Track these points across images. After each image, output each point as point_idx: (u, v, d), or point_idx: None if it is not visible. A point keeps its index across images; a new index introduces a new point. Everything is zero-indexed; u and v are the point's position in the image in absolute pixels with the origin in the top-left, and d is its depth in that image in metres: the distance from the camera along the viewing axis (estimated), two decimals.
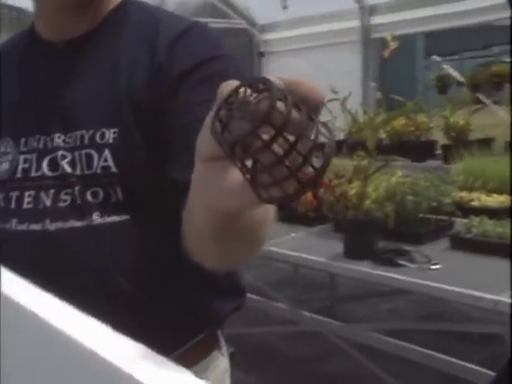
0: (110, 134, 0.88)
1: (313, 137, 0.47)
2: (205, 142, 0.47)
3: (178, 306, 0.95)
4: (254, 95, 0.48)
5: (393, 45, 2.49)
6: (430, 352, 2.47)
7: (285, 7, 4.21)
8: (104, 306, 0.90)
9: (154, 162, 0.88)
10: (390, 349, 2.58)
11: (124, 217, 0.89)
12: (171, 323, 0.94)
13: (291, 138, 0.46)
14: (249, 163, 0.47)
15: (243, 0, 5.15)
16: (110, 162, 0.88)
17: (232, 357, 1.09)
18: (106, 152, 0.88)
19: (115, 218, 0.89)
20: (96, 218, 0.89)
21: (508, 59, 7.22)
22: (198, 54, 0.90)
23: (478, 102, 4.93)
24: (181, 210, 0.77)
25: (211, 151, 0.46)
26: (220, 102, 0.48)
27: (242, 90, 0.48)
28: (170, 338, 0.89)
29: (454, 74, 6.11)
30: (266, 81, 0.47)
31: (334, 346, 2.85)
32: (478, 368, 2.37)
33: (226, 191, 0.47)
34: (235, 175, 0.46)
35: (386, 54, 2.61)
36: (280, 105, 0.46)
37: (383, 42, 4.94)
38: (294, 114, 0.46)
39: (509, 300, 1.67)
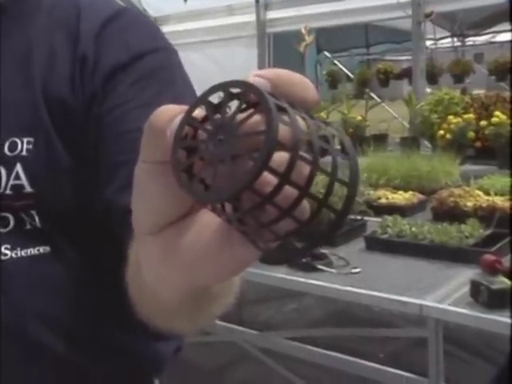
0: (24, 145, 0.69)
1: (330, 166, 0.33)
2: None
3: (113, 356, 0.78)
4: (230, 111, 0.32)
5: (308, 39, 2.42)
6: (338, 355, 2.44)
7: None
8: (22, 364, 0.73)
9: (82, 179, 0.70)
10: (301, 354, 2.50)
11: (43, 249, 0.71)
12: (107, 377, 0.78)
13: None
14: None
15: None
16: (24, 180, 0.69)
17: None
18: (18, 167, 0.69)
19: (31, 251, 0.71)
20: (6, 252, 0.70)
21: (390, 58, 7.55)
22: (133, 45, 0.73)
23: (361, 97, 5.06)
24: (116, 238, 0.63)
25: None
26: (178, 127, 0.33)
27: (207, 106, 0.33)
28: None
29: (345, 70, 6.27)
30: (250, 88, 0.32)
31: (244, 352, 2.76)
32: (384, 368, 2.37)
33: (218, 253, 0.34)
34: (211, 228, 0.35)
35: (302, 48, 2.53)
36: (284, 130, 0.31)
37: (278, 37, 4.99)
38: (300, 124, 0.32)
39: (434, 304, 1.63)
